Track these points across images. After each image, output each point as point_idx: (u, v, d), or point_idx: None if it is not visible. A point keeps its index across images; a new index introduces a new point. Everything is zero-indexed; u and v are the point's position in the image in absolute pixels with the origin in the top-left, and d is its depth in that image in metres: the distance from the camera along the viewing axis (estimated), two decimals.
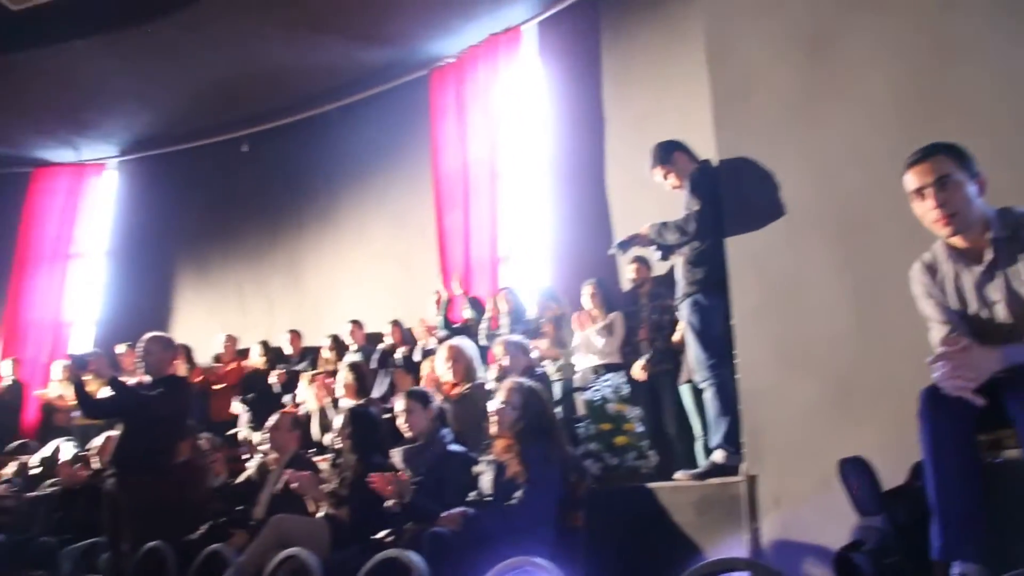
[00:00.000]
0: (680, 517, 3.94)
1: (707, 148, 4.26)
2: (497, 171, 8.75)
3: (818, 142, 3.61)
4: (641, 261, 6.18)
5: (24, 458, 8.05)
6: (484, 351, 5.89)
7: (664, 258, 4.53)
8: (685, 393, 5.54)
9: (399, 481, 3.71)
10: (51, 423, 9.05)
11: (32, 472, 7.65)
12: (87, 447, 6.74)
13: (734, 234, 3.86)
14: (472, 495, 3.74)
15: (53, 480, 6.92)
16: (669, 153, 4.54)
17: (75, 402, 6.94)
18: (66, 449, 7.47)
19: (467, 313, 7.45)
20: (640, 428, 4.73)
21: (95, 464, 6.41)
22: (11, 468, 8.06)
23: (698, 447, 5.28)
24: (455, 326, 7.30)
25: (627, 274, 6.43)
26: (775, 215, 3.69)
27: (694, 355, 4.28)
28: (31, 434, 9.15)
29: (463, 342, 5.39)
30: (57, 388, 9.43)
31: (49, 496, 6.71)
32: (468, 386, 5.05)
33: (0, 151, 11.25)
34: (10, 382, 9.94)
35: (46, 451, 7.84)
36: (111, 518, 5.14)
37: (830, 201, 3.53)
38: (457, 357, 5.13)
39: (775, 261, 3.68)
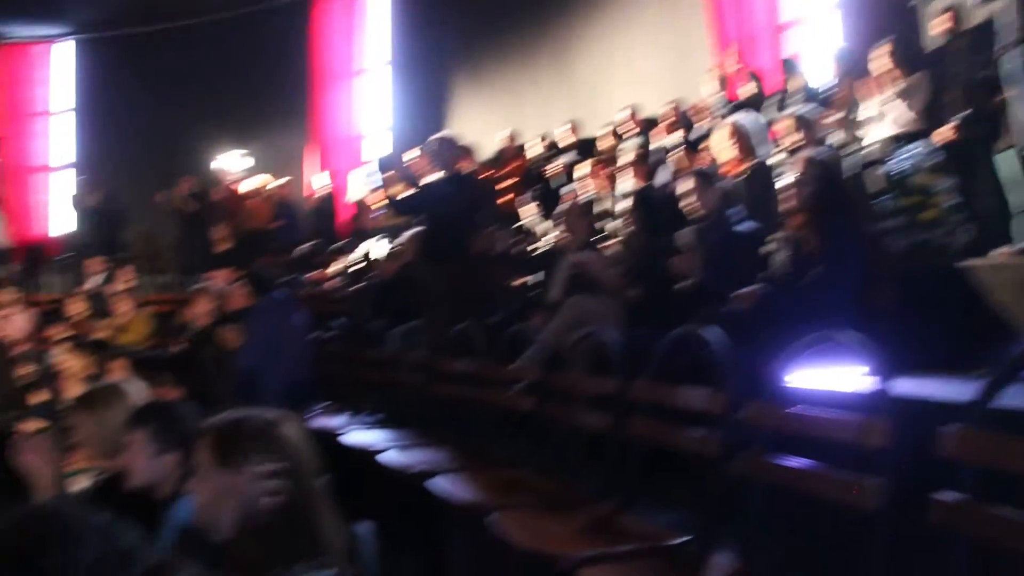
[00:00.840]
0: (999, 297, 3.61)
1: None
2: None
3: None
4: (951, 10, 5.39)
5: (345, 256, 9.09)
6: (767, 127, 5.57)
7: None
8: (1005, 161, 4.90)
9: (689, 261, 3.72)
10: (362, 225, 10.04)
11: (353, 268, 8.63)
12: (396, 243, 7.42)
13: None
14: (764, 273, 3.68)
15: (372, 274, 7.77)
16: None
17: (380, 204, 7.60)
18: (378, 247, 8.29)
19: (747, 88, 7.02)
20: (951, 201, 4.30)
21: (405, 258, 7.08)
22: (337, 266, 9.15)
23: (1017, 223, 4.72)
24: (735, 103, 6.93)
25: (932, 28, 5.65)
26: None
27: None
28: (347, 235, 10.24)
29: (744, 119, 5.13)
30: (362, 193, 10.40)
31: (371, 287, 7.54)
32: (752, 164, 4.86)
33: None
34: (327, 191, 11.11)
35: (362, 249, 8.77)
36: (424, 303, 5.72)
37: None
38: (738, 135, 4.91)
39: None
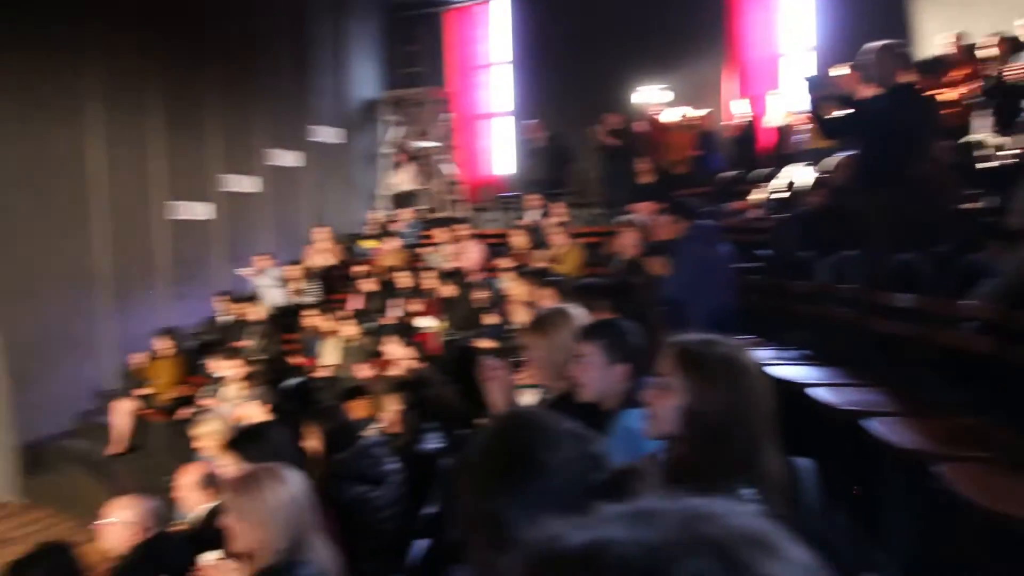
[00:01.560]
0: None
1: None
2: None
3: None
4: None
5: (767, 184, 8.80)
6: None
7: None
8: None
9: None
10: (784, 150, 9.63)
11: (777, 196, 8.33)
12: (823, 168, 6.99)
13: None
14: None
15: (799, 202, 7.42)
16: None
17: (807, 126, 7.16)
18: (803, 173, 7.89)
19: None
20: None
21: (836, 184, 6.63)
22: (758, 195, 8.92)
23: None
24: None
25: None
26: None
27: None
28: (769, 162, 9.89)
29: None
30: (783, 117, 9.95)
31: (797, 216, 7.22)
32: None
33: None
34: (747, 118, 10.83)
35: (785, 176, 8.42)
36: (859, 232, 5.32)
37: None
38: None
39: None
